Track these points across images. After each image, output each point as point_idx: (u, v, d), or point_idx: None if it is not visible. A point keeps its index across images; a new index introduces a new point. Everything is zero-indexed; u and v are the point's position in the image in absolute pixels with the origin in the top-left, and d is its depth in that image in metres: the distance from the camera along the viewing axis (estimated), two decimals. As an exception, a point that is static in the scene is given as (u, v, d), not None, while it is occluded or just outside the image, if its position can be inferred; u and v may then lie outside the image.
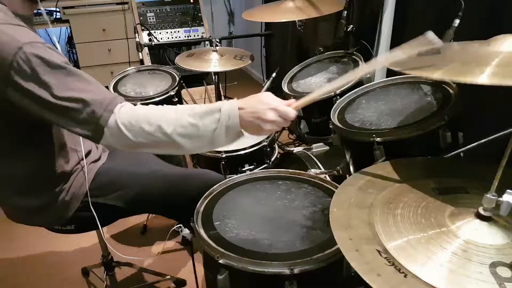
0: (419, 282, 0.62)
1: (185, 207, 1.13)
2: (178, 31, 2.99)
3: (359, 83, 1.51)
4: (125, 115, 0.88)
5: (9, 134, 0.99)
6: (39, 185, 1.09)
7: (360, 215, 0.79)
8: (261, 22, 2.88)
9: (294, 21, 2.17)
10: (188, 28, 3.02)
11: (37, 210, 1.11)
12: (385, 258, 0.67)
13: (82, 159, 1.16)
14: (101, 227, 1.18)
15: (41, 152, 1.06)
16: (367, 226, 0.76)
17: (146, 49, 2.86)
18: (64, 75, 0.87)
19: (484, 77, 0.65)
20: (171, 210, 1.26)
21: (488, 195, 0.68)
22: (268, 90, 1.83)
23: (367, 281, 0.63)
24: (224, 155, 1.51)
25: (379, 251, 0.69)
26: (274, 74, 1.89)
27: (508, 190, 0.67)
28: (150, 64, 2.80)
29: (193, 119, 0.88)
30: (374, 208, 0.80)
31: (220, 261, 0.90)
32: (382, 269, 0.65)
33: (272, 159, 1.64)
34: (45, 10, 2.97)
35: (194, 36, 3.03)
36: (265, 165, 1.60)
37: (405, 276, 0.64)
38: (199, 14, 3.06)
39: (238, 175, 1.25)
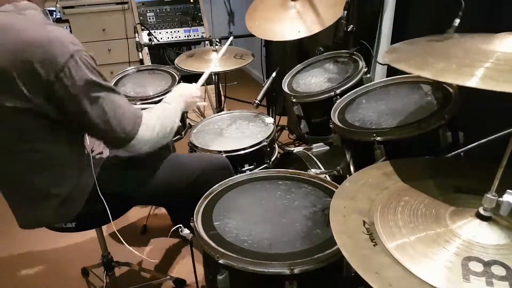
0: (385, 254, 0.63)
1: (185, 191, 1.22)
2: (178, 31, 2.99)
3: (359, 83, 1.51)
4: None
5: (44, 117, 0.99)
6: (66, 171, 1.11)
7: (368, 193, 0.81)
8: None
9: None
10: (188, 28, 3.01)
11: (62, 201, 1.11)
12: (366, 228, 0.68)
13: (89, 153, 1.20)
14: (103, 224, 1.18)
15: (68, 139, 1.09)
16: (368, 204, 0.76)
17: (146, 49, 2.86)
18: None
19: (473, 81, 0.63)
20: (171, 196, 1.29)
21: (488, 195, 0.68)
22: (268, 90, 1.83)
23: (336, 240, 0.64)
24: (224, 155, 1.51)
25: (364, 222, 0.70)
26: (274, 74, 1.88)
27: (508, 190, 0.67)
28: (150, 64, 2.79)
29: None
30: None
31: (220, 261, 0.90)
32: (357, 235, 0.66)
33: (272, 159, 1.64)
34: (46, 10, 2.98)
35: (194, 36, 3.02)
36: (265, 165, 1.60)
37: (375, 245, 0.64)
38: (199, 14, 3.06)
39: (238, 175, 1.25)
